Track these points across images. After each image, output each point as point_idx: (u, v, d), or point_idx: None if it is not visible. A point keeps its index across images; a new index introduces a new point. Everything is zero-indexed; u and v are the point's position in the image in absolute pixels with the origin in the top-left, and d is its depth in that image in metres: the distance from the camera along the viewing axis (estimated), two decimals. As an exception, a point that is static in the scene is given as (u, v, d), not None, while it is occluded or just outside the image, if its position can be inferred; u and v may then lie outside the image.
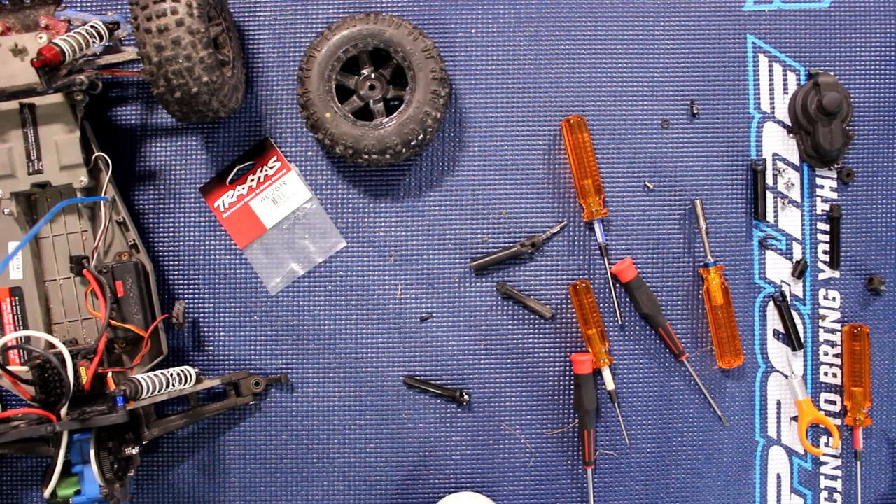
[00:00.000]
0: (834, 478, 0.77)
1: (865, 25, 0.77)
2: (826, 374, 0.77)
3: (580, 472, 0.77)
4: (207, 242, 0.76)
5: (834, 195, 0.77)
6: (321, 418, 0.76)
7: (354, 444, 0.76)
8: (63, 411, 0.63)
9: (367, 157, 0.71)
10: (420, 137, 0.71)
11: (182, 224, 0.76)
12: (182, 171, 0.76)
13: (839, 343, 0.77)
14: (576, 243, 0.76)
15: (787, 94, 0.77)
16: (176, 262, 0.76)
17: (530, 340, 0.76)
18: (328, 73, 0.71)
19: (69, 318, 0.71)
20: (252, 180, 0.76)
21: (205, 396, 0.76)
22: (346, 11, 0.76)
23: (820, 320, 0.77)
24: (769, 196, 0.77)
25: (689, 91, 0.77)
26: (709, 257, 0.75)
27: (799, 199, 0.77)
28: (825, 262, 0.77)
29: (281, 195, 0.75)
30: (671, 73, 0.77)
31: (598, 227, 0.75)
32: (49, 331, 0.70)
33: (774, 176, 0.77)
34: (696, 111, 0.76)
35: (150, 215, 0.76)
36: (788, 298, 0.77)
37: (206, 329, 0.76)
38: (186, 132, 0.76)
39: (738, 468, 0.77)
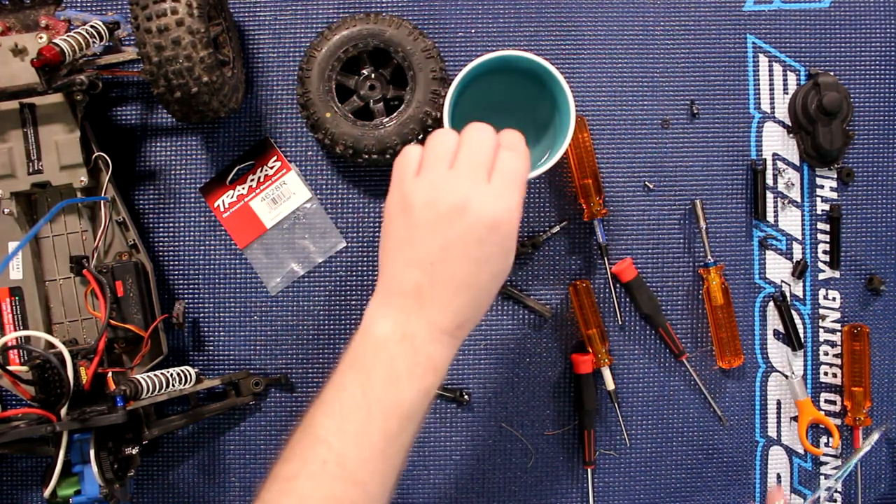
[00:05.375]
0: (834, 478, 0.77)
1: (865, 25, 0.77)
2: (826, 374, 0.77)
3: (580, 472, 0.77)
4: (207, 242, 0.76)
5: (834, 195, 0.77)
6: (321, 418, 0.76)
7: (354, 444, 0.76)
8: (63, 411, 0.63)
9: (367, 157, 0.71)
10: (420, 137, 0.71)
11: (182, 224, 0.76)
12: (182, 171, 0.76)
13: (839, 343, 0.77)
14: (576, 243, 0.76)
15: (787, 94, 0.77)
16: (176, 262, 0.76)
17: (530, 340, 0.76)
18: (328, 73, 0.71)
19: (69, 318, 0.71)
20: (252, 180, 0.76)
21: (205, 396, 0.76)
22: (346, 11, 0.76)
23: (820, 320, 0.77)
24: (769, 196, 0.77)
25: (689, 91, 0.77)
26: (709, 257, 0.75)
27: (799, 199, 0.77)
28: (825, 262, 0.77)
29: (281, 195, 0.75)
30: (671, 73, 0.77)
31: (598, 227, 0.75)
32: (49, 331, 0.70)
33: (774, 176, 0.77)
34: (696, 111, 0.76)
35: (150, 215, 0.76)
36: (788, 298, 0.77)
37: (206, 329, 0.76)
38: (186, 132, 0.76)
39: (738, 468, 0.77)
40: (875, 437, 0.75)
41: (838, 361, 0.77)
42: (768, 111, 0.77)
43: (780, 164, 0.77)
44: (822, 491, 0.76)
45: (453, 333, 0.49)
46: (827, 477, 0.77)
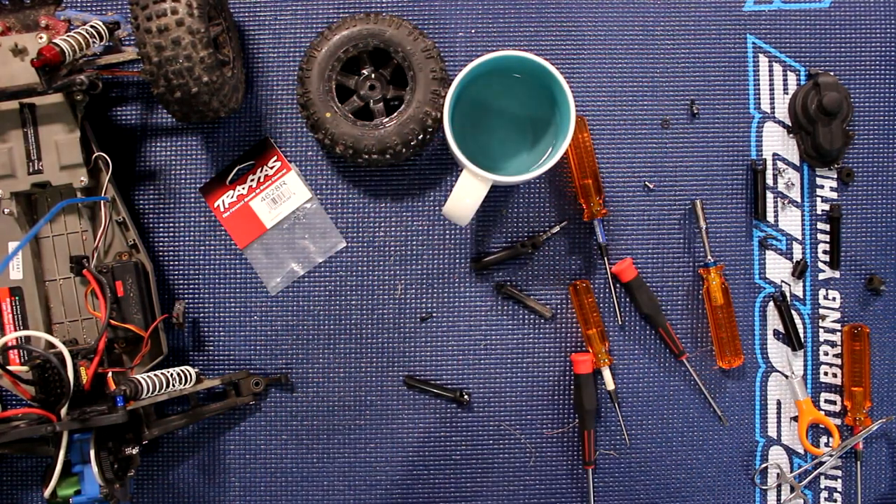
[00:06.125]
0: (834, 478, 0.77)
1: (865, 25, 0.77)
2: (826, 374, 0.77)
3: (580, 472, 0.77)
4: (207, 242, 0.76)
5: (834, 195, 0.77)
6: (321, 418, 0.76)
7: (354, 444, 0.76)
8: (63, 411, 0.63)
9: (367, 157, 0.71)
10: (420, 137, 0.71)
11: (182, 224, 0.76)
12: (182, 171, 0.76)
13: (839, 343, 0.77)
14: (576, 243, 0.76)
15: (787, 94, 0.77)
16: (176, 262, 0.76)
17: (530, 340, 0.76)
18: (328, 73, 0.71)
19: (69, 318, 0.71)
20: (252, 180, 0.76)
21: (205, 396, 0.76)
22: (346, 11, 0.76)
23: (820, 320, 0.77)
24: (769, 196, 0.77)
25: (689, 91, 0.77)
26: (709, 257, 0.75)
27: (799, 199, 0.77)
28: (825, 262, 0.77)
29: (281, 195, 0.75)
30: (671, 73, 0.77)
31: (598, 227, 0.75)
32: (49, 331, 0.70)
33: (774, 176, 0.77)
34: (696, 111, 0.76)
35: (150, 215, 0.76)
36: (788, 298, 0.77)
37: (206, 329, 0.76)
38: (186, 132, 0.76)
39: (738, 468, 0.77)
40: (881, 422, 0.75)
41: (838, 361, 0.77)
42: (768, 111, 0.77)
43: (780, 164, 0.77)
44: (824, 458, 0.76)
45: None
46: (827, 477, 0.77)
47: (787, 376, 0.77)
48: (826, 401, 0.77)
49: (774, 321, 0.77)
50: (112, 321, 0.67)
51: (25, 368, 0.63)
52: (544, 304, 0.76)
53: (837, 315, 0.77)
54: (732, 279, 0.77)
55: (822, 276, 0.77)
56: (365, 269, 0.76)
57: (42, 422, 0.62)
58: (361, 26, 0.70)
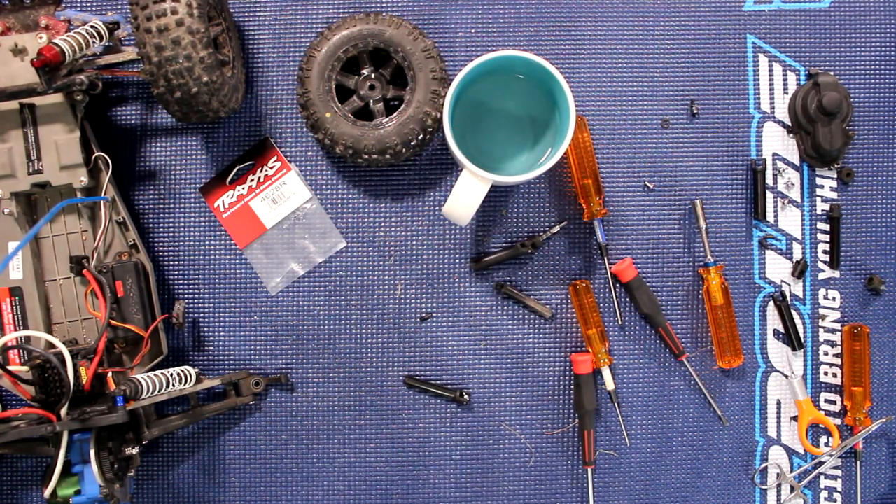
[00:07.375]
0: (834, 478, 0.77)
1: (865, 25, 0.77)
2: (826, 374, 0.77)
3: (580, 472, 0.77)
4: (207, 242, 0.76)
5: (834, 195, 0.77)
6: (321, 418, 0.76)
7: (354, 444, 0.76)
8: (63, 411, 0.63)
9: (367, 157, 0.71)
10: (420, 137, 0.71)
11: (182, 224, 0.76)
12: (182, 171, 0.76)
13: (839, 343, 0.77)
14: (576, 243, 0.76)
15: (787, 94, 0.77)
16: (176, 262, 0.76)
17: (530, 340, 0.76)
18: (328, 73, 0.71)
19: (69, 318, 0.71)
20: (252, 180, 0.76)
21: (205, 396, 0.76)
22: (346, 11, 0.76)
23: (820, 320, 0.77)
24: (769, 196, 0.77)
25: (689, 91, 0.77)
26: (709, 257, 0.75)
27: (799, 199, 0.77)
28: (825, 262, 0.77)
29: (281, 195, 0.75)
30: (671, 73, 0.77)
31: (598, 227, 0.75)
32: (49, 331, 0.70)
33: (774, 176, 0.77)
34: (696, 111, 0.76)
35: (150, 215, 0.76)
36: (788, 298, 0.77)
37: (206, 329, 0.76)
38: (186, 132, 0.76)
39: (738, 468, 0.77)
40: (881, 422, 0.75)
41: (838, 361, 0.77)
42: (768, 111, 0.77)
43: (780, 164, 0.77)
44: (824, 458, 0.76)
45: None
46: (827, 477, 0.77)
47: (787, 376, 0.77)
48: (826, 401, 0.77)
49: (774, 321, 0.77)
50: (112, 321, 0.67)
51: (25, 368, 0.63)
52: (544, 304, 0.76)
53: (837, 315, 0.77)
54: (732, 279, 0.77)
55: (822, 276, 0.77)
56: (365, 269, 0.76)
57: (42, 422, 0.62)
58: (361, 26, 0.70)
